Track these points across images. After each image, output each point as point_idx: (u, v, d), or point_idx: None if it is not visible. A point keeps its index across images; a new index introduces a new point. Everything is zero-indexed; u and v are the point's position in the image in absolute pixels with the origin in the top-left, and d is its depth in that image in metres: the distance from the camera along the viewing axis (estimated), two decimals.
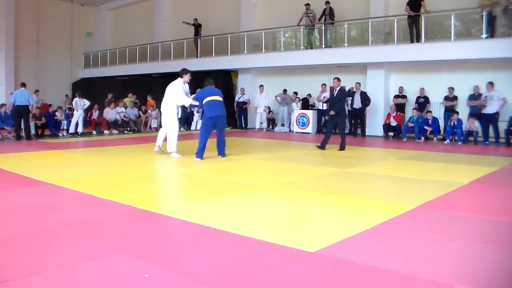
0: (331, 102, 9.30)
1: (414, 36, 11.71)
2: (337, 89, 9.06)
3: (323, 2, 13.51)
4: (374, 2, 13.06)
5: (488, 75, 10.97)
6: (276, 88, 15.25)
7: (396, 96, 12.61)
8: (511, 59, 10.40)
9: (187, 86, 8.09)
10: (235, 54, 15.65)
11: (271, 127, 15.18)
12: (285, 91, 14.58)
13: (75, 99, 12.68)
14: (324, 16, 13.61)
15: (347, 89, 13.28)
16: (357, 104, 12.58)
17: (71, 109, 13.14)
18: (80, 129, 12.52)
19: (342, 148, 8.95)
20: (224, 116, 7.56)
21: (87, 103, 12.77)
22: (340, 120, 9.28)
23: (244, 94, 15.25)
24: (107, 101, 14.76)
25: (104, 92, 15.82)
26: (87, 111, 13.38)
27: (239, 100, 15.24)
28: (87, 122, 13.68)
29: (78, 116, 12.45)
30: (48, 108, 12.96)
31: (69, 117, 12.91)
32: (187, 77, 7.94)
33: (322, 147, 8.97)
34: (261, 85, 14.94)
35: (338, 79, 9.12)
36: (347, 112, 13.17)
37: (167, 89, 8.02)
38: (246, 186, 5.26)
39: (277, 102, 14.83)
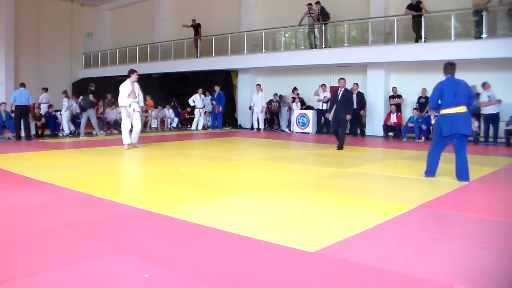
0: (337, 102, 8.97)
1: (417, 37, 11.72)
2: (342, 89, 8.92)
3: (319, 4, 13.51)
4: (374, 2, 13.07)
5: (488, 75, 10.95)
6: (276, 88, 15.22)
7: (392, 97, 12.59)
8: (511, 59, 10.40)
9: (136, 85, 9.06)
10: (235, 54, 15.65)
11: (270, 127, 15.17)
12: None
13: (63, 99, 12.66)
14: (318, 17, 13.62)
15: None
16: (355, 104, 12.60)
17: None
18: (67, 130, 12.47)
19: (340, 147, 8.96)
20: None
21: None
22: (343, 120, 8.97)
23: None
24: (107, 101, 14.72)
25: (104, 92, 15.78)
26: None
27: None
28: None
29: (65, 116, 12.46)
30: (48, 108, 12.94)
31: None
32: (134, 77, 8.88)
33: (340, 147, 8.97)
34: (258, 84, 14.66)
35: (344, 79, 9.02)
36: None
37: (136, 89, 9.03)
38: (246, 186, 5.26)
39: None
